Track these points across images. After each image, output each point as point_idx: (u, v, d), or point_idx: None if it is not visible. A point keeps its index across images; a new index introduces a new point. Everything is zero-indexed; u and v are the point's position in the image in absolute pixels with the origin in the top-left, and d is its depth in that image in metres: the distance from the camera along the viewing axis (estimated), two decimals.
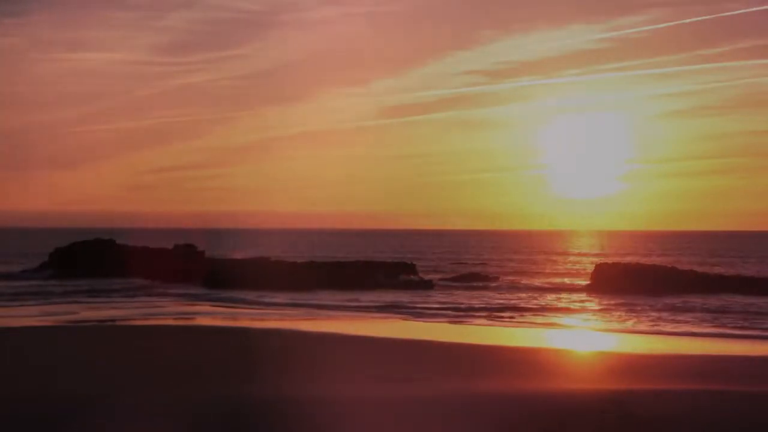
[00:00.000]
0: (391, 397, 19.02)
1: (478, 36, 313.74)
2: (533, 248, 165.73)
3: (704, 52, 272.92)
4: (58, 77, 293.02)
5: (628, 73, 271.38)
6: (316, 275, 65.51)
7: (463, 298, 58.29)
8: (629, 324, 42.98)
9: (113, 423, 16.13)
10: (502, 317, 46.61)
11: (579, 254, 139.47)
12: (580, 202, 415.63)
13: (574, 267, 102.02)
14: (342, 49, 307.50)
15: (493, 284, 72.07)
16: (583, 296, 59.95)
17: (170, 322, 42.66)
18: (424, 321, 44.66)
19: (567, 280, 76.62)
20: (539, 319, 45.79)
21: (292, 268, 68.64)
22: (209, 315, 46.19)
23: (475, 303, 54.16)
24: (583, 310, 51.07)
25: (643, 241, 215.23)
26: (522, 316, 47.54)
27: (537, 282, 74.81)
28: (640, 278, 62.33)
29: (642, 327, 41.70)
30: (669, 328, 41.17)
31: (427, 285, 67.42)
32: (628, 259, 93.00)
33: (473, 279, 75.21)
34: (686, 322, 43.68)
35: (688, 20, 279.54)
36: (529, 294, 62.54)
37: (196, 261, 72.06)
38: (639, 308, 49.49)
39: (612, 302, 53.57)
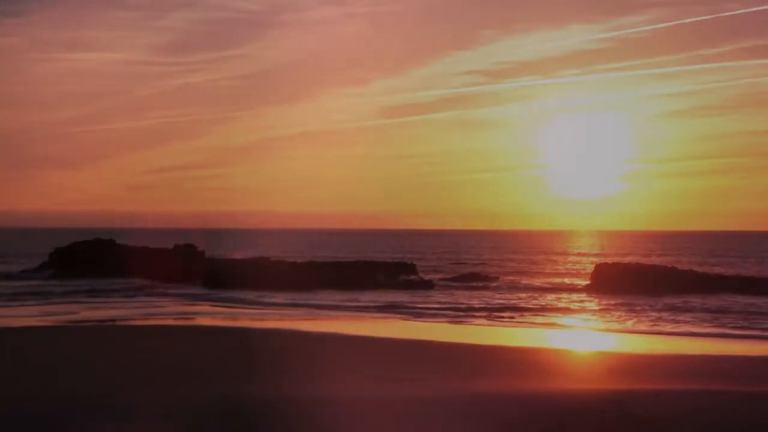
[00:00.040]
0: (391, 397, 19.03)
1: (478, 36, 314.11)
2: (533, 248, 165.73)
3: (704, 52, 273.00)
4: (58, 77, 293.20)
5: (628, 73, 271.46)
6: (316, 275, 65.52)
7: (463, 298, 58.30)
8: (629, 324, 42.98)
9: (113, 423, 16.13)
10: (502, 317, 46.61)
11: (579, 254, 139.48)
12: (580, 202, 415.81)
13: (574, 267, 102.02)
14: (342, 49, 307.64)
15: (493, 284, 72.07)
16: (583, 296, 59.95)
17: (170, 322, 42.66)
18: (423, 321, 44.66)
19: (567, 280, 76.62)
20: (539, 319, 45.78)
21: (292, 268, 68.66)
22: (209, 315, 46.20)
23: (475, 303, 54.15)
24: (583, 310, 51.06)
25: (643, 241, 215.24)
26: (522, 316, 47.53)
27: (537, 282, 74.81)
28: (640, 278, 62.33)
29: (642, 327, 41.69)
30: (669, 328, 41.16)
31: (427, 285, 67.42)
32: (628, 259, 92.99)
33: (473, 279, 75.23)
34: (686, 322, 43.68)
35: (688, 20, 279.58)
36: (529, 294, 62.54)
37: (196, 261, 72.08)
38: (639, 308, 49.48)
39: (612, 302, 53.57)
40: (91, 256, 72.45)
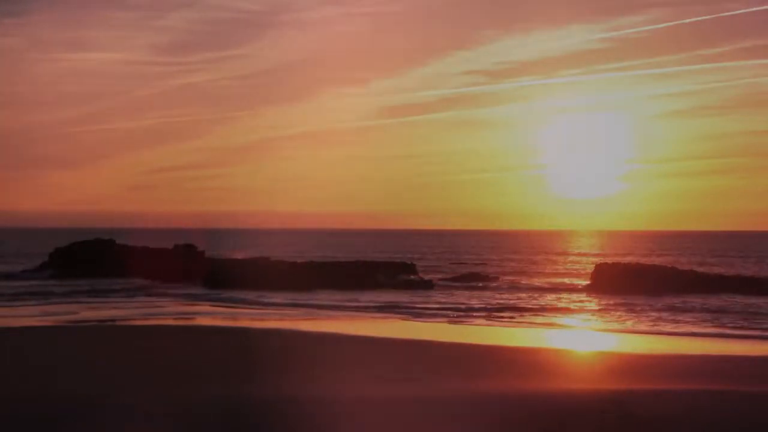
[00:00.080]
0: (391, 397, 19.02)
1: (478, 36, 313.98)
2: (533, 248, 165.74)
3: (704, 52, 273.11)
4: (58, 77, 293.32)
5: (628, 73, 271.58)
6: (316, 275, 65.53)
7: (463, 298, 58.30)
8: (629, 324, 42.98)
9: (113, 423, 16.13)
10: (502, 317, 46.62)
11: (579, 254, 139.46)
12: (580, 202, 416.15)
13: (574, 267, 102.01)
14: (342, 49, 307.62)
15: (493, 284, 72.08)
16: (582, 296, 59.95)
17: (170, 322, 42.67)
18: (423, 321, 44.66)
19: (567, 280, 76.60)
20: (539, 319, 45.78)
21: (292, 268, 68.66)
22: (209, 315, 46.20)
23: (475, 303, 54.15)
24: (582, 310, 51.06)
25: (643, 241, 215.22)
26: (522, 316, 47.54)
27: (537, 282, 74.81)
28: (640, 278, 62.32)
29: (642, 327, 41.69)
30: (669, 328, 41.16)
31: (427, 285, 67.43)
32: (628, 259, 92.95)
33: (473, 279, 75.23)
34: (686, 322, 43.68)
35: (688, 20, 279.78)
36: (529, 294, 62.55)
37: (196, 261, 72.07)
38: (639, 308, 49.48)
39: (612, 302, 53.57)
40: (91, 256, 72.46)
